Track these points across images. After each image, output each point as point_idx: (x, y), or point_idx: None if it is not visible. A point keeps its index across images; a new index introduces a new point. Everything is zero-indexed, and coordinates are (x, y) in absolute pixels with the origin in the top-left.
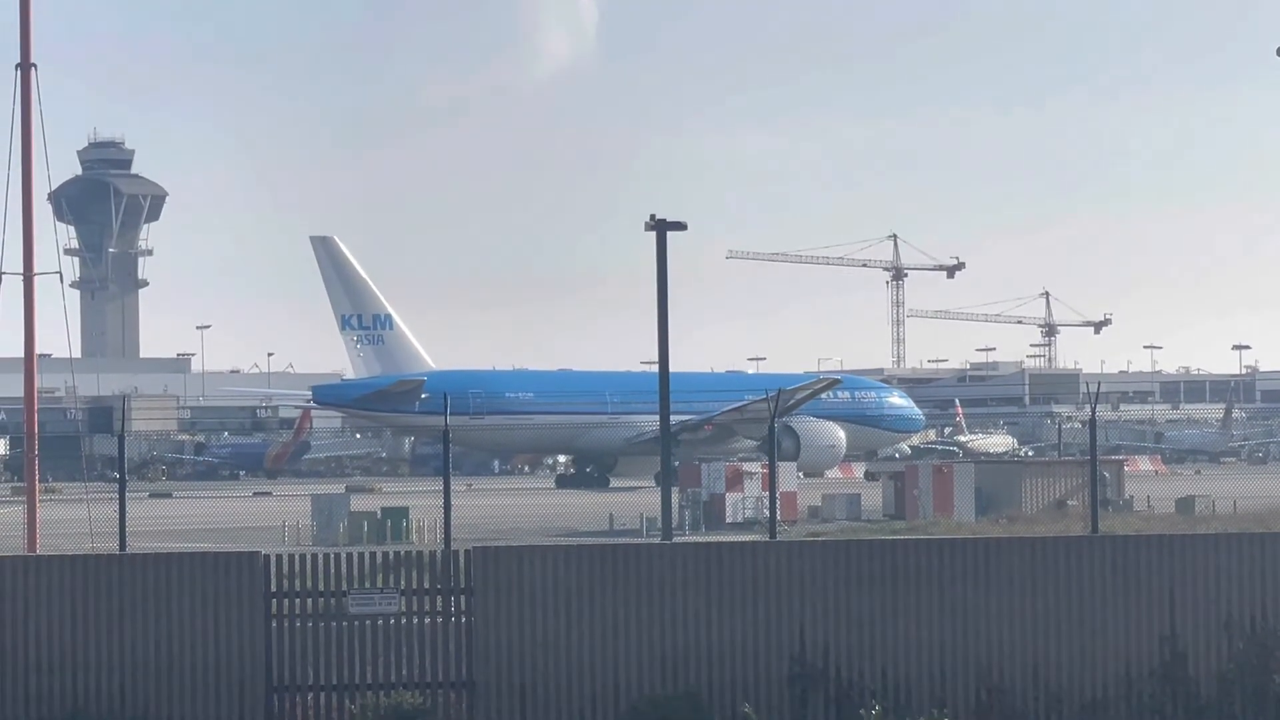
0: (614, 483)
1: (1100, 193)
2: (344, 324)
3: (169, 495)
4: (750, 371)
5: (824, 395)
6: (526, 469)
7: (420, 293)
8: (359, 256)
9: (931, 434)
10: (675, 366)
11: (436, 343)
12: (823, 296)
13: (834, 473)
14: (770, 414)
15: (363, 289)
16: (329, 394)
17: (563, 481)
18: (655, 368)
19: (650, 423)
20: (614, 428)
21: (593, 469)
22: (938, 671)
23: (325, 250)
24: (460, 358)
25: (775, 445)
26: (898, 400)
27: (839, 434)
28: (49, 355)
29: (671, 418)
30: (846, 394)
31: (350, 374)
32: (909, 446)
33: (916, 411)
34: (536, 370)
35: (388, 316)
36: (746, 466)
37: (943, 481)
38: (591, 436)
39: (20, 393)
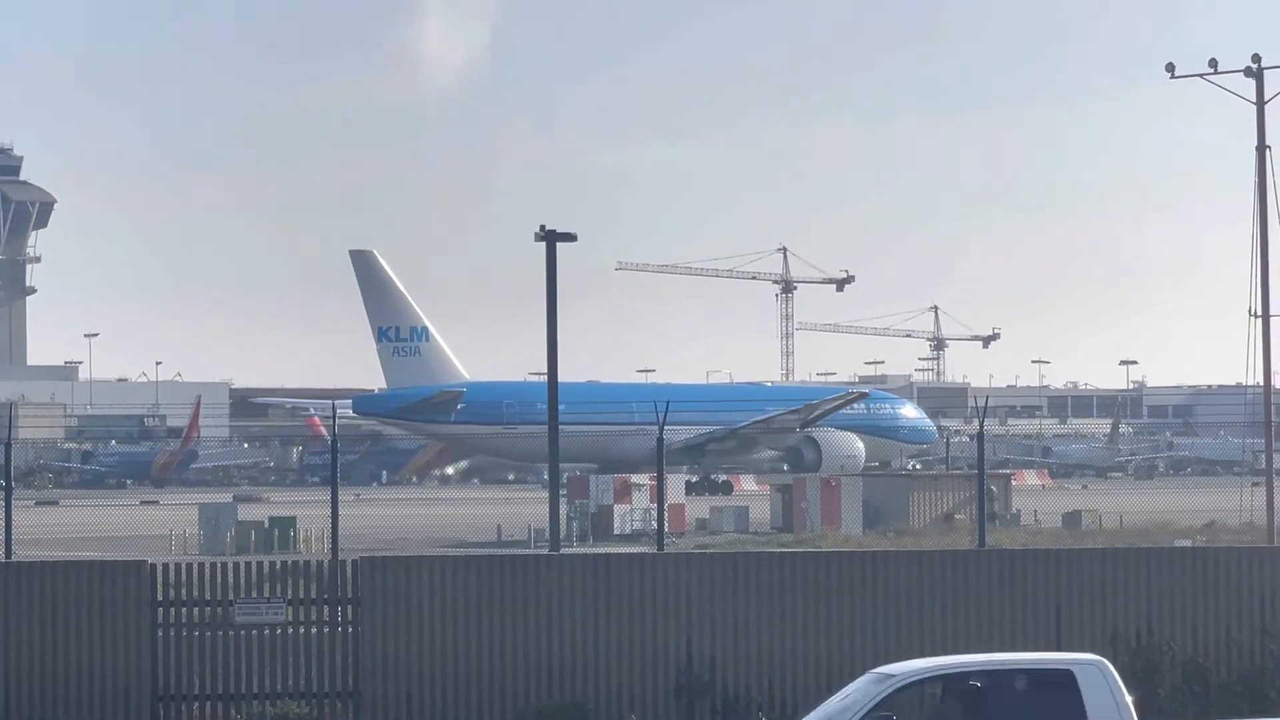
0: None
1: (989, 207)
2: (380, 336)
3: (55, 503)
4: (768, 384)
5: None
6: (415, 479)
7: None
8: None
9: None
10: (568, 377)
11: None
12: (712, 309)
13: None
14: (659, 425)
15: (399, 302)
16: (369, 404)
17: None
18: (655, 379)
19: (676, 433)
20: (640, 438)
21: None
22: (824, 683)
23: (363, 264)
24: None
25: (663, 455)
26: (911, 412)
27: (858, 445)
28: None
29: (696, 429)
30: (862, 406)
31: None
32: None
33: (929, 423)
34: (567, 382)
35: (424, 329)
36: (634, 478)
37: (830, 494)
38: (620, 446)
39: None
